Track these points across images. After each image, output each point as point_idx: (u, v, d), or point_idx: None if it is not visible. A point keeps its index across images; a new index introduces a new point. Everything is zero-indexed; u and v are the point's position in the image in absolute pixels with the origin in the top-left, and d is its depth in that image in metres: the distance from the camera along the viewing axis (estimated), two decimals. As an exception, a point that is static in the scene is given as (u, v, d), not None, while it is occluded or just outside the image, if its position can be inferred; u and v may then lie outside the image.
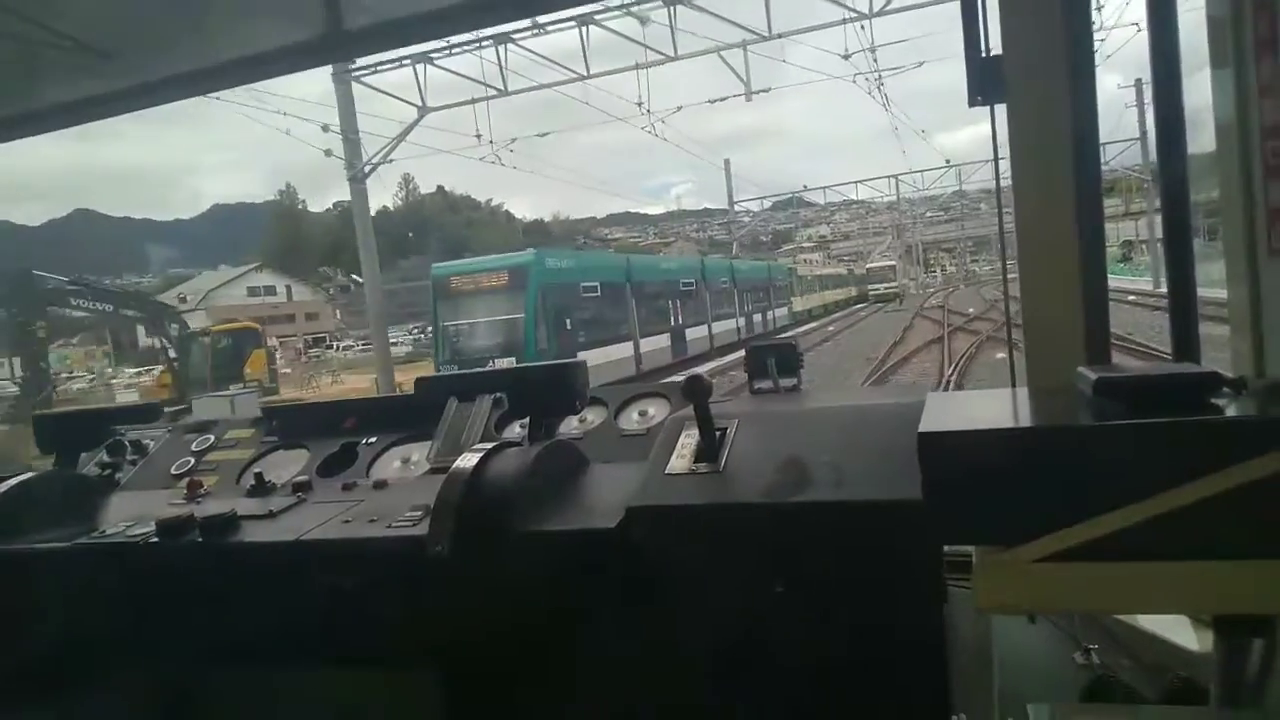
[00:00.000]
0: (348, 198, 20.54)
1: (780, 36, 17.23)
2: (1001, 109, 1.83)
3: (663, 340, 24.72)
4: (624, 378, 19.89)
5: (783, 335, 30.67)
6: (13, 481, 2.11)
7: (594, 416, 2.15)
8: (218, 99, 15.30)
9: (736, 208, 52.00)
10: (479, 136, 19.85)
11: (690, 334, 26.72)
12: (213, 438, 2.44)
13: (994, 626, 1.62)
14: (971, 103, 1.81)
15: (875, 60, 21.62)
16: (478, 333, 19.34)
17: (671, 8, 16.62)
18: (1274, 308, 1.52)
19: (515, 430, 2.09)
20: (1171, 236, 1.71)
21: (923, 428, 1.23)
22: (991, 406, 1.62)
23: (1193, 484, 1.02)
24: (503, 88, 18.06)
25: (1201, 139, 1.66)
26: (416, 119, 18.51)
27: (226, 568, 1.81)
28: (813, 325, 37.23)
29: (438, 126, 19.62)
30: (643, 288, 24.49)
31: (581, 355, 19.23)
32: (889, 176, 52.42)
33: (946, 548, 1.41)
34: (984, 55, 1.78)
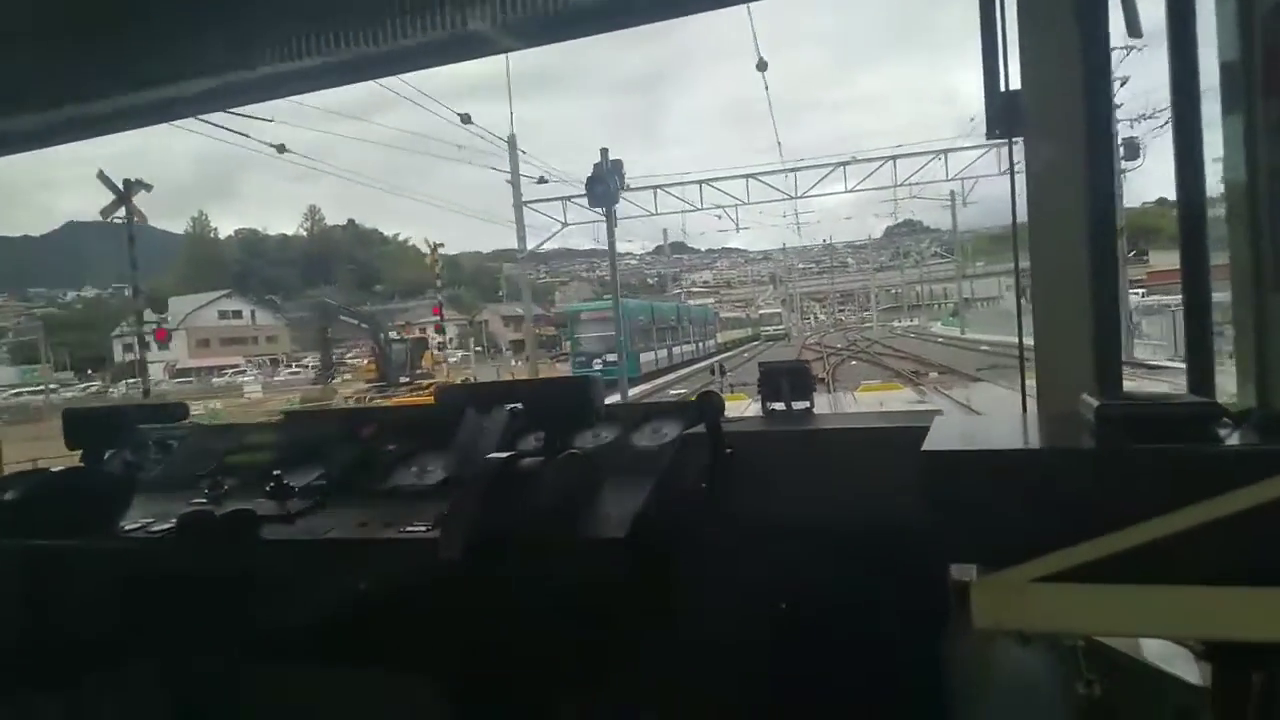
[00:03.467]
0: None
1: (755, 203, 34.20)
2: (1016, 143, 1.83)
3: (662, 352, 38.66)
4: (650, 371, 34.63)
5: (722, 356, 45.78)
6: (38, 477, 2.15)
7: (608, 431, 2.16)
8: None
9: (618, 250, 68.41)
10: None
11: (674, 350, 40.83)
12: (234, 440, 2.47)
13: (995, 654, 1.56)
14: (990, 135, 1.81)
15: (798, 218, 39.92)
16: (595, 342, 32.58)
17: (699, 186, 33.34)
18: (1277, 342, 1.52)
19: (530, 443, 2.09)
20: (1189, 278, 1.69)
21: (925, 447, 1.23)
22: (996, 430, 1.60)
23: (1187, 510, 1.00)
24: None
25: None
26: (559, 229, 32.78)
27: (244, 567, 1.85)
28: (733, 353, 49.65)
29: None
30: (657, 321, 38.70)
31: (640, 355, 34.01)
32: (777, 248, 69.30)
33: (953, 572, 1.38)
34: (1003, 89, 1.76)
